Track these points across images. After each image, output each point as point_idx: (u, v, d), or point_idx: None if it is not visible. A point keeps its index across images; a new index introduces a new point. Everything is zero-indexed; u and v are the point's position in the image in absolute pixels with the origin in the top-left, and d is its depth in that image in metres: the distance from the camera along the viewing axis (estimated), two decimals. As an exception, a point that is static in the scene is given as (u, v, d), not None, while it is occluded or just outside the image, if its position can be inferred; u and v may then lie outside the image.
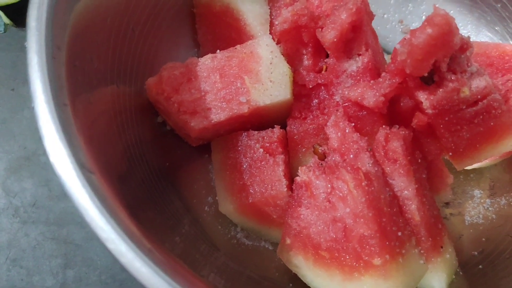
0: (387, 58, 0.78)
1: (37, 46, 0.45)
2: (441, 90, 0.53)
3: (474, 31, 0.79)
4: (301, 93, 0.64)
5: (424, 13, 0.83)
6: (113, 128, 0.58)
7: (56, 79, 0.45)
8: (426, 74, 0.52)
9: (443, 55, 0.51)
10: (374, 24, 0.71)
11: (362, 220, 0.53)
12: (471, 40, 0.74)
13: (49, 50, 0.46)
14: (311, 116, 0.64)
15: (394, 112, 0.61)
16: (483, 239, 0.66)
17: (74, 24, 0.51)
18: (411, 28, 0.85)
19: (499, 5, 0.74)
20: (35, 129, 0.70)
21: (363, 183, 0.54)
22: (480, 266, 0.63)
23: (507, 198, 0.69)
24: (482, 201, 0.71)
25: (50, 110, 0.43)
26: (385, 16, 0.83)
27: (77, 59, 0.50)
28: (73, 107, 0.47)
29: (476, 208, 0.70)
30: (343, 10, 0.58)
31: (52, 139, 0.42)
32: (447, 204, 0.71)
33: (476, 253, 0.65)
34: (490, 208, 0.69)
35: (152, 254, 0.41)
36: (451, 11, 0.80)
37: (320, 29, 0.60)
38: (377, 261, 0.53)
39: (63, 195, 0.69)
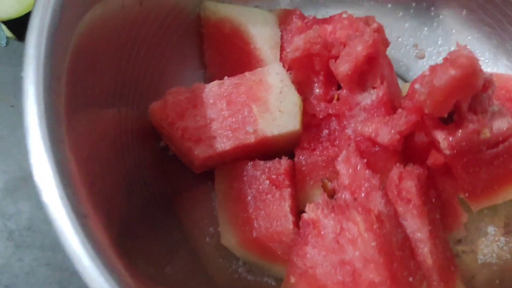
0: (400, 83, 0.76)
1: (34, 76, 0.42)
2: (460, 131, 0.51)
3: (492, 59, 0.76)
4: (311, 123, 0.61)
5: (439, 38, 0.80)
6: (112, 153, 0.56)
7: (54, 112, 0.43)
8: (446, 115, 0.49)
9: (465, 96, 0.48)
10: (388, 48, 0.68)
11: (372, 265, 0.50)
12: (489, 70, 0.71)
13: (47, 81, 0.43)
14: (321, 148, 0.61)
15: (408, 147, 0.58)
16: (497, 281, 0.63)
17: (75, 49, 0.48)
18: (426, 53, 0.83)
19: (519, 33, 0.71)
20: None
21: (374, 226, 0.51)
22: (493, 311, 0.60)
23: (523, 237, 0.66)
24: (496, 238, 0.68)
25: (46, 147, 0.41)
26: (400, 39, 0.80)
27: (77, 87, 0.48)
28: (70, 140, 0.44)
29: (490, 246, 0.67)
30: (359, 42, 0.55)
31: (45, 178, 0.40)
32: (459, 241, 0.68)
33: (489, 296, 0.62)
34: (504, 247, 0.66)
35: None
36: (469, 37, 0.77)
37: (333, 60, 0.57)
38: (386, 309, 0.50)
39: (59, 219, 0.66)
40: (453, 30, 0.79)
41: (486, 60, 0.77)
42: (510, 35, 0.74)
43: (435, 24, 0.80)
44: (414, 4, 0.79)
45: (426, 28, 0.80)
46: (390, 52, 0.80)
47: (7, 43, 0.75)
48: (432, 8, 0.79)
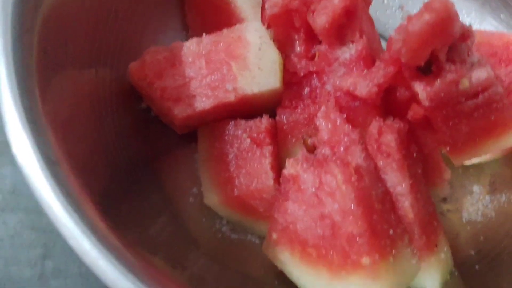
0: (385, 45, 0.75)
1: (2, 28, 0.42)
2: (439, 81, 0.50)
3: (478, 18, 0.75)
4: (292, 81, 0.61)
5: (426, -1, 0.79)
6: (92, 116, 0.55)
7: (23, 64, 0.42)
8: (422, 64, 0.49)
9: (441, 44, 0.47)
10: (372, 9, 0.67)
11: (351, 217, 0.50)
12: (474, 28, 0.70)
13: (16, 33, 0.43)
14: (302, 106, 0.61)
15: (390, 102, 0.58)
16: (481, 238, 0.64)
17: (48, 4, 0.48)
18: (412, 14, 0.82)
19: (505, -9, 0.70)
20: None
21: (352, 178, 0.51)
22: (477, 267, 0.60)
23: (508, 195, 0.66)
24: (481, 197, 0.68)
25: (14, 97, 0.40)
26: (385, 1, 0.79)
27: (49, 43, 0.47)
28: (43, 94, 0.44)
29: (475, 204, 0.67)
30: (336, -7, 0.54)
31: (15, 127, 0.40)
32: (444, 199, 0.68)
33: (473, 252, 0.62)
34: (489, 205, 0.66)
35: (120, 253, 0.38)
36: (455, -4, 0.77)
37: (311, 14, 0.56)
38: (365, 260, 0.50)
39: (43, 183, 0.66)
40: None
41: (472, 20, 0.76)
42: (496, -7, 0.73)
43: (422, -15, 0.79)
44: (400, -37, 0.78)
45: (412, -11, 0.79)
46: (376, 14, 0.79)
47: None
48: (419, -33, 0.78)
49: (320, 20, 0.54)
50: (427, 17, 0.44)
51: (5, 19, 0.42)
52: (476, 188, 0.68)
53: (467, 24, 0.52)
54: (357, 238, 0.50)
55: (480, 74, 0.51)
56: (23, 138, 0.39)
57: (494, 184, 0.68)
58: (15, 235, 0.64)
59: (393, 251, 0.52)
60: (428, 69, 0.50)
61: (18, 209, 0.65)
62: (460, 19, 0.71)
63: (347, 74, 0.56)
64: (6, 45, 0.41)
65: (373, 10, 0.71)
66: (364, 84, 0.53)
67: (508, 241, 0.61)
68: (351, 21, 0.56)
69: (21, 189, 0.66)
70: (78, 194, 0.40)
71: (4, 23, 0.42)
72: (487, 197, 0.67)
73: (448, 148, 0.56)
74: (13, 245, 0.64)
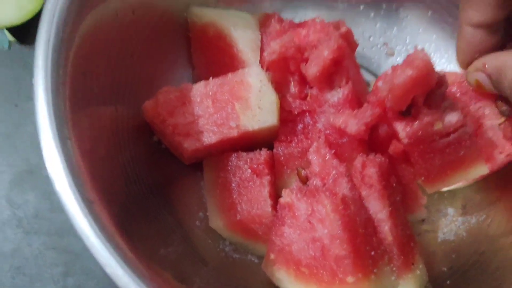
0: (372, 80, 0.83)
1: (43, 83, 0.49)
2: (416, 122, 0.59)
3: (454, 56, 0.83)
4: (288, 118, 0.69)
5: (408, 36, 0.87)
6: (111, 150, 0.62)
7: (61, 113, 0.50)
8: (404, 109, 0.57)
9: (420, 92, 0.56)
10: (360, 46, 0.76)
11: (338, 241, 0.58)
12: (453, 66, 0.79)
13: (54, 86, 0.50)
14: (296, 140, 0.69)
15: (373, 139, 0.66)
16: (453, 255, 0.71)
17: (74, 56, 0.55)
18: (395, 50, 0.90)
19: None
20: (37, 144, 0.73)
21: (340, 207, 0.59)
22: (448, 282, 0.68)
23: (477, 217, 0.74)
24: (454, 219, 0.76)
25: (56, 145, 0.48)
26: (371, 38, 0.87)
27: (78, 90, 0.55)
28: (75, 137, 0.51)
29: (449, 225, 0.75)
30: (326, 47, 0.62)
31: (56, 170, 0.47)
32: (422, 221, 0.76)
33: (445, 269, 0.70)
34: (461, 226, 0.74)
35: (146, 278, 0.46)
36: (434, 36, 0.85)
37: (304, 63, 0.64)
38: (350, 279, 0.58)
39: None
40: (420, 30, 0.86)
41: (450, 57, 0.84)
42: (470, 34, 0.81)
43: (404, 24, 0.87)
44: (384, 6, 0.86)
45: (395, 28, 0.87)
46: (363, 50, 0.88)
47: (9, 47, 0.81)
48: (401, 9, 0.86)
49: (312, 70, 0.63)
50: (410, 72, 0.53)
51: (45, 75, 0.50)
52: (450, 211, 0.76)
53: (441, 72, 0.61)
54: (343, 259, 0.58)
55: (451, 117, 0.60)
56: (64, 181, 0.46)
57: (465, 207, 0.76)
58: (38, 255, 0.71)
59: (375, 269, 0.60)
60: (408, 112, 0.59)
61: (41, 232, 0.72)
62: (437, 62, 0.79)
63: (337, 113, 0.64)
64: (48, 97, 0.49)
65: (360, 47, 0.80)
66: (354, 123, 0.61)
67: (476, 258, 0.69)
68: (339, 69, 0.64)
69: (44, 214, 0.73)
70: (110, 227, 0.47)
71: (45, 79, 0.50)
72: (460, 219, 0.75)
73: (422, 179, 0.64)
74: (37, 264, 0.71)
